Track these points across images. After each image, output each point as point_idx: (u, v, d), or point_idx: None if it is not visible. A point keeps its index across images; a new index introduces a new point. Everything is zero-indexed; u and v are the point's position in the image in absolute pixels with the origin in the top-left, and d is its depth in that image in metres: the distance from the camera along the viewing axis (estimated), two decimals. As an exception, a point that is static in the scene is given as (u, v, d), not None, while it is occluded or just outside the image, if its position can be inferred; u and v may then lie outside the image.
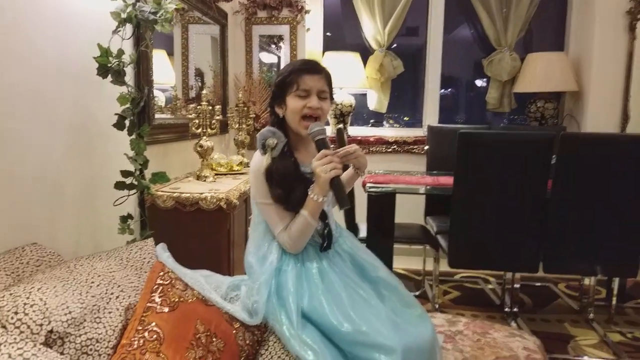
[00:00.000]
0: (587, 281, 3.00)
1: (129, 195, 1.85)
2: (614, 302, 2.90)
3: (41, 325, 1.04)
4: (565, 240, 2.45)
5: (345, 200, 1.35)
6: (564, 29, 4.04)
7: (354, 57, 3.86)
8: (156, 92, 2.40)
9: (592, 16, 3.69)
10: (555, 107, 3.87)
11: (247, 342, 1.35)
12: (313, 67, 1.42)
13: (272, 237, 1.45)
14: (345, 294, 1.36)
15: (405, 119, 4.40)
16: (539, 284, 3.44)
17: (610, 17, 3.61)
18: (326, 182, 1.33)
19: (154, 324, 1.19)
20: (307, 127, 1.39)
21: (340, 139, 2.80)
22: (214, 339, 1.26)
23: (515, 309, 2.91)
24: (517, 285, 2.92)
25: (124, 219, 1.85)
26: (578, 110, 3.88)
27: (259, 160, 1.41)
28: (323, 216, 1.45)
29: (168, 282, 1.32)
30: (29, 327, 1.02)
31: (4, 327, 1.00)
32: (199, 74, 3.13)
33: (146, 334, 1.16)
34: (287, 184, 1.38)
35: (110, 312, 1.21)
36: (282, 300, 1.35)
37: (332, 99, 1.48)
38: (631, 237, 2.39)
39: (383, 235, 2.46)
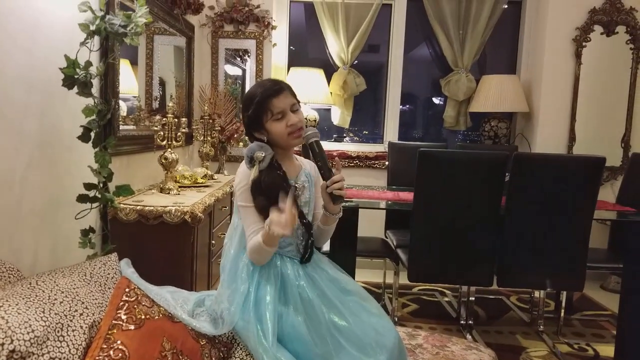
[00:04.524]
0: (537, 294, 3.15)
1: (91, 209, 1.81)
2: (562, 314, 3.05)
3: (2, 344, 1.00)
4: (517, 255, 2.57)
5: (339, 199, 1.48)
6: (517, 53, 4.27)
7: (319, 74, 3.93)
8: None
9: (542, 42, 3.92)
10: (508, 127, 4.09)
11: (213, 358, 1.35)
12: (276, 89, 1.45)
13: None
14: (322, 318, 1.38)
15: (365, 132, 4.50)
16: (492, 296, 3.58)
17: (559, 44, 3.86)
18: (274, 237, 1.34)
19: (119, 342, 1.17)
20: (298, 138, 1.46)
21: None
22: (180, 357, 1.25)
23: (470, 322, 3.01)
24: (472, 298, 3.04)
25: (86, 232, 1.81)
26: (529, 130, 4.09)
27: (247, 171, 1.44)
28: (308, 227, 1.48)
29: (134, 298, 1.31)
30: (-11, 347, 0.98)
31: (-38, 347, 0.95)
32: (162, 84, 3.10)
33: (111, 352, 1.14)
34: (273, 195, 1.40)
35: (74, 330, 1.18)
36: (259, 315, 1.36)
37: (298, 103, 1.52)
38: (577, 253, 2.53)
39: (346, 248, 2.50)
